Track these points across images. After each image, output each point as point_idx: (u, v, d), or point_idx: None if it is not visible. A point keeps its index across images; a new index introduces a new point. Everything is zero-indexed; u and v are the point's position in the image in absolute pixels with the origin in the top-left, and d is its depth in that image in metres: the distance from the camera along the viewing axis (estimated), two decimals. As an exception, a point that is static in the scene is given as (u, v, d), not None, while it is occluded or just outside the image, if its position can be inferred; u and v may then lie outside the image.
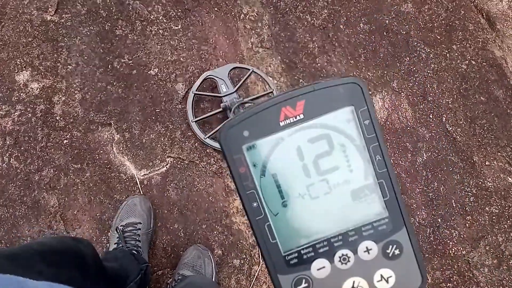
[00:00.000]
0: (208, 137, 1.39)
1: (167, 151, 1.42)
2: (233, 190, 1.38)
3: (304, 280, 0.32)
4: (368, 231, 0.32)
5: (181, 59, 1.55)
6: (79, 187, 1.37)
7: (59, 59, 1.57)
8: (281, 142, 0.31)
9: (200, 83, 1.45)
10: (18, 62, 1.57)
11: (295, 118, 0.31)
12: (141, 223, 1.27)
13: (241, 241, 1.32)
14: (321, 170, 0.32)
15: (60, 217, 1.33)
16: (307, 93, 0.31)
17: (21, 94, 1.51)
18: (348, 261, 0.32)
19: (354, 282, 0.32)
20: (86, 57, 1.57)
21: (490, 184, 1.37)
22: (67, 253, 0.82)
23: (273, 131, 0.31)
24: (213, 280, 1.24)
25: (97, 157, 1.42)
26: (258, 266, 1.30)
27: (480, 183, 1.37)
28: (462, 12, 1.60)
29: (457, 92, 1.48)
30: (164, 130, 1.45)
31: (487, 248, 1.33)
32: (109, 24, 1.62)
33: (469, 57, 1.53)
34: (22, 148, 1.42)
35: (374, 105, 1.47)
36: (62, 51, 1.59)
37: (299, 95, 0.31)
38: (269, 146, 0.31)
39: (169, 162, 1.41)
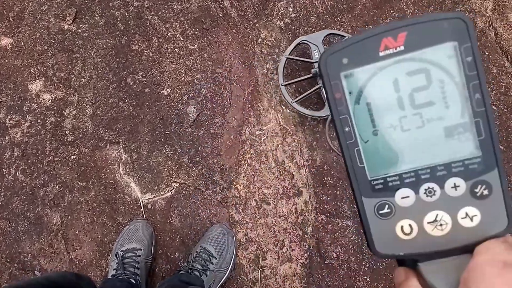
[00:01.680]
0: (296, 101, 1.38)
1: (174, 176, 1.40)
2: (237, 222, 1.36)
3: (387, 206, 0.33)
4: (458, 168, 0.32)
5: (195, 80, 1.53)
6: (83, 206, 1.36)
7: (73, 71, 1.56)
8: (379, 72, 0.32)
9: (293, 48, 1.43)
10: (32, 71, 1.57)
11: (395, 49, 0.31)
12: (141, 250, 1.25)
13: (242, 276, 1.30)
14: (416, 104, 0.32)
15: (62, 236, 1.33)
16: (409, 25, 0.31)
17: (33, 104, 1.51)
18: (434, 194, 0.32)
19: (437, 215, 0.32)
20: (100, 71, 1.56)
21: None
22: None
23: (372, 60, 0.31)
24: (232, 261, 1.28)
25: (103, 176, 1.40)
26: (256, 304, 1.28)
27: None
28: (487, 53, 1.55)
29: (474, 138, 1.43)
30: (172, 153, 1.43)
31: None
32: (126, 38, 1.61)
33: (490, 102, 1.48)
34: (29, 161, 1.42)
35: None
36: (77, 62, 1.58)
37: (401, 27, 0.31)
38: (366, 75, 0.32)
39: (175, 187, 1.39)
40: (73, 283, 0.87)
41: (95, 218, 1.35)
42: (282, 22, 1.60)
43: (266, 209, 1.37)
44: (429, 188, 0.32)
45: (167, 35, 1.61)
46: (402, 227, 0.33)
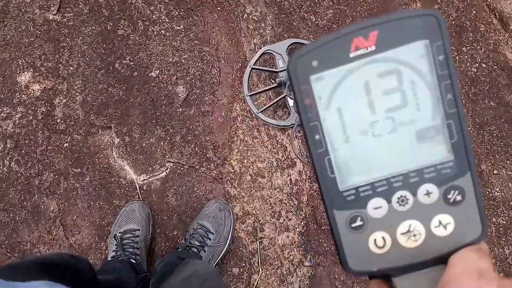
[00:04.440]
0: (261, 112, 1.38)
1: (167, 156, 1.40)
2: (232, 196, 1.36)
3: (359, 218, 0.31)
4: (430, 173, 0.30)
5: (183, 60, 1.53)
6: (79, 192, 1.37)
7: (61, 60, 1.56)
8: (349, 74, 0.30)
9: (258, 58, 1.42)
10: (20, 63, 1.57)
11: (367, 49, 0.29)
12: (139, 230, 1.26)
13: (241, 248, 1.31)
14: (387, 107, 0.30)
15: (60, 222, 1.34)
16: (381, 24, 0.29)
17: (23, 96, 1.51)
18: (406, 203, 0.31)
19: (410, 225, 0.31)
20: (87, 58, 1.55)
21: (498, 193, 1.33)
22: (66, 268, 0.82)
23: (342, 62, 0.30)
24: (230, 235, 1.28)
25: (97, 161, 1.41)
26: (258, 275, 1.28)
27: (487, 192, 1.33)
28: (474, 12, 1.53)
29: (465, 97, 1.43)
30: (164, 134, 1.43)
31: (493, 262, 1.29)
32: (111, 24, 1.60)
33: (479, 60, 1.47)
34: (23, 152, 1.42)
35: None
36: (64, 51, 1.57)
37: (372, 25, 0.29)
38: (336, 78, 0.30)
39: (169, 167, 1.40)
40: (70, 263, 0.86)
41: (92, 203, 1.36)
42: (266, -5, 1.59)
43: (261, 182, 1.37)
44: (401, 196, 0.31)
45: (152, 17, 1.60)
46: (375, 240, 0.31)
